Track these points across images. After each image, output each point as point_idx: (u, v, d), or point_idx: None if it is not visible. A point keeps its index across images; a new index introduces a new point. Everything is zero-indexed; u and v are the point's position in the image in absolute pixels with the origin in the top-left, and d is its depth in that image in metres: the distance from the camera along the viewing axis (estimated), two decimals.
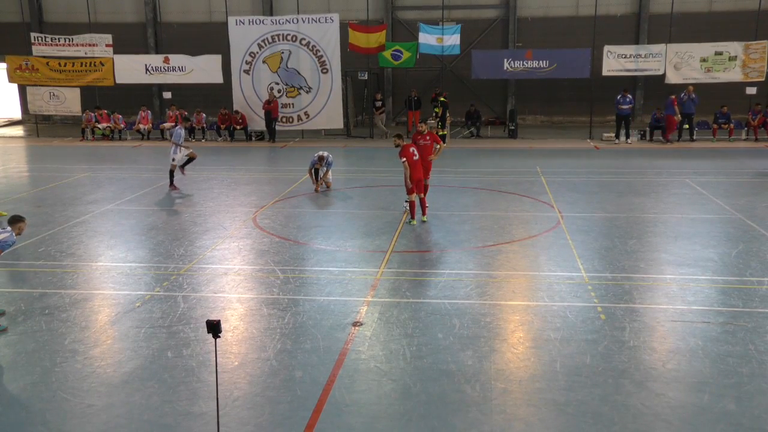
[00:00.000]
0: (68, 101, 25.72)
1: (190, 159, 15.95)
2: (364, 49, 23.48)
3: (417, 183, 12.10)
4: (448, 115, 22.69)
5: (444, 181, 15.54)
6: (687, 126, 22.90)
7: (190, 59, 24.81)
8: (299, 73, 23.91)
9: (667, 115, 22.54)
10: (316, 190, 14.90)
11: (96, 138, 25.13)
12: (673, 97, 22.23)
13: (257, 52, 23.94)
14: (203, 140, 24.46)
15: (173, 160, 15.45)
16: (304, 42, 23.64)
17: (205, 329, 5.09)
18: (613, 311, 7.98)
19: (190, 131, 24.08)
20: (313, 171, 15.08)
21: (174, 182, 15.55)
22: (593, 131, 24.01)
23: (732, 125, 22.73)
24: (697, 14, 26.12)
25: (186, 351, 7.04)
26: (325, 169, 15.03)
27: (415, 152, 12.11)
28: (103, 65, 25.03)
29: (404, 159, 11.85)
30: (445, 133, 21.71)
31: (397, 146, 12.23)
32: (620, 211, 12.94)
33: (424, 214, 12.28)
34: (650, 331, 7.51)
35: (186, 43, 27.06)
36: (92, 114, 25.14)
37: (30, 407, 6.03)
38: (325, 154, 14.95)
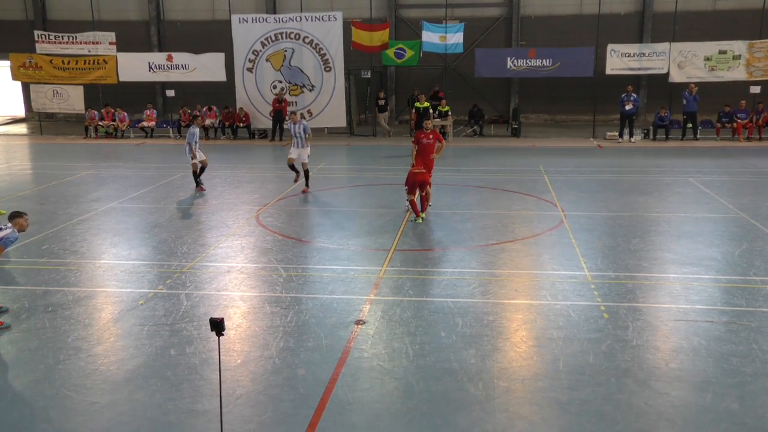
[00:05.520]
0: (71, 99, 25.75)
1: (202, 168, 15.17)
2: (367, 47, 23.48)
3: (419, 184, 12.14)
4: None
5: (447, 180, 15.53)
6: (690, 125, 22.86)
7: (194, 57, 24.83)
8: (302, 71, 23.91)
9: None
10: (295, 180, 14.79)
11: (99, 136, 25.17)
12: None
13: (260, 50, 23.94)
14: (202, 138, 24.46)
15: (192, 158, 14.88)
16: (307, 40, 23.64)
17: (208, 327, 5.09)
18: (616, 310, 7.97)
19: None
20: (290, 167, 14.72)
21: (200, 183, 15.15)
22: (596, 130, 23.99)
23: (740, 122, 22.56)
24: (701, 13, 26.08)
25: (189, 349, 7.05)
26: (301, 146, 14.44)
27: (425, 141, 12.69)
28: (106, 63, 25.04)
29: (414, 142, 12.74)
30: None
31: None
32: (623, 210, 12.92)
33: (423, 210, 12.27)
34: (653, 330, 7.49)
35: (189, 41, 27.11)
36: (95, 112, 25.19)
37: (33, 404, 6.04)
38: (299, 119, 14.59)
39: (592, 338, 7.21)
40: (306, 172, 14.72)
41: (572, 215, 12.51)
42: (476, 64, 23.88)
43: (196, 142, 14.91)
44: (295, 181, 14.77)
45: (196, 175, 15.13)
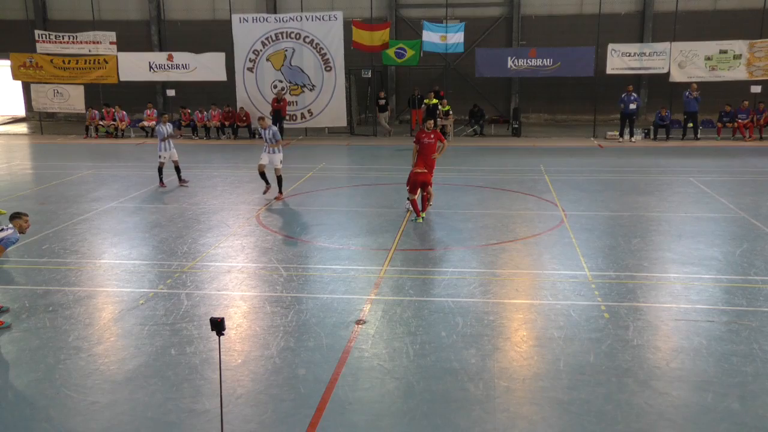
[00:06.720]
0: (72, 99, 25.78)
1: (160, 168, 15.56)
2: (367, 47, 23.47)
3: (421, 185, 12.15)
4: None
5: (448, 180, 15.53)
6: (691, 125, 22.85)
7: (194, 57, 24.85)
8: (303, 71, 23.91)
9: None
10: (264, 192, 14.18)
11: (99, 135, 25.18)
12: None
13: (261, 50, 23.94)
14: (203, 137, 24.51)
15: (160, 157, 15.51)
16: (307, 40, 23.64)
17: (209, 327, 5.09)
18: (617, 310, 7.97)
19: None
20: (260, 174, 14.08)
21: (163, 180, 15.63)
22: (597, 130, 23.99)
23: (740, 122, 22.52)
24: (701, 12, 26.06)
25: (189, 348, 7.05)
26: (271, 149, 13.97)
27: (426, 140, 12.69)
28: (107, 63, 25.06)
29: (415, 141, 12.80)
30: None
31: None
32: (624, 210, 12.91)
33: (424, 210, 12.28)
34: (654, 329, 7.49)
35: (190, 40, 27.11)
36: (96, 111, 25.20)
37: (34, 404, 6.04)
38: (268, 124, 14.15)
39: (592, 338, 7.21)
40: (279, 179, 14.18)
41: (573, 215, 12.50)
42: (477, 63, 23.89)
43: (162, 140, 15.37)
44: (264, 192, 14.26)
45: (161, 172, 15.61)
